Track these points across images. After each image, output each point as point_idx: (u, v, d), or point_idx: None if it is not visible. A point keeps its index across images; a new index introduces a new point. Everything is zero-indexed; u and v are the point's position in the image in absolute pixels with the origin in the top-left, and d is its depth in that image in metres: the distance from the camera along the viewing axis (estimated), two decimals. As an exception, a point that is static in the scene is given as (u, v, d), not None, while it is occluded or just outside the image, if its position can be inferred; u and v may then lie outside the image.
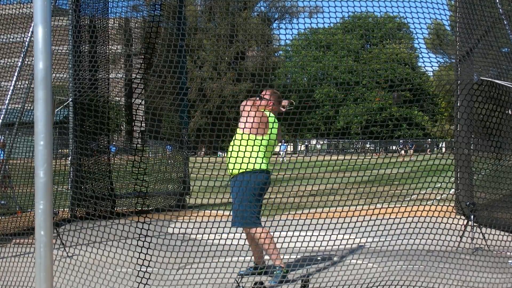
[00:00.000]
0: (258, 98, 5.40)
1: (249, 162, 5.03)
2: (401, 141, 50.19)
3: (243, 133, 5.12)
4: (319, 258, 5.62)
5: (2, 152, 9.28)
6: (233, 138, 5.24)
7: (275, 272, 5.24)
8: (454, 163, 6.36)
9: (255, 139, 5.05)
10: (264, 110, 5.36)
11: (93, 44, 9.05)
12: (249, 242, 5.42)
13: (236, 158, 5.03)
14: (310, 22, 27.88)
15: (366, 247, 6.17)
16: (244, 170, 5.08)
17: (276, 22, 53.76)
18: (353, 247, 6.11)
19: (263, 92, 5.50)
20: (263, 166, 5.22)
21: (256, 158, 5.11)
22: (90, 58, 8.91)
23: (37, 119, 2.85)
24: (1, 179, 8.34)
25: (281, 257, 5.30)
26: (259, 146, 5.10)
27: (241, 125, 5.15)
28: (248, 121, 5.02)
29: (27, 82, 7.77)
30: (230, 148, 5.18)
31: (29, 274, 4.87)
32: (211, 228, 4.75)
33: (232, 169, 5.12)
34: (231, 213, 5.31)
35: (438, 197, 5.86)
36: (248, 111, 5.20)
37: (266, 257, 5.51)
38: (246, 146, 4.97)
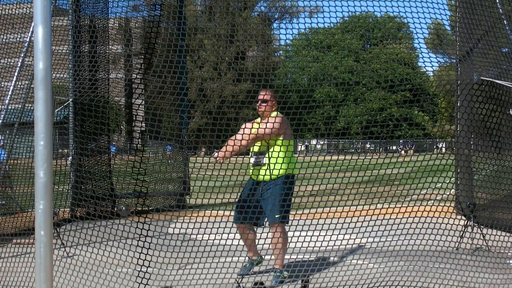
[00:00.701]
0: (259, 102, 5.38)
1: (288, 165, 5.21)
2: (401, 141, 50.16)
3: (283, 139, 5.20)
4: (319, 258, 5.61)
5: (3, 152, 9.28)
6: (268, 145, 5.24)
7: (275, 273, 5.24)
8: (454, 163, 6.36)
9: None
10: (278, 112, 5.37)
11: (93, 44, 9.04)
12: (244, 237, 5.39)
13: (275, 164, 5.15)
14: (310, 22, 27.95)
15: (366, 247, 6.17)
16: (285, 172, 5.20)
17: (276, 22, 53.75)
18: (353, 247, 6.10)
19: (262, 93, 5.43)
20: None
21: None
22: (90, 58, 8.90)
23: (37, 119, 2.85)
24: (1, 179, 8.33)
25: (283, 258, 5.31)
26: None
27: (281, 132, 5.19)
28: (282, 127, 5.15)
29: (27, 82, 7.77)
30: (268, 154, 5.19)
31: (29, 274, 4.87)
32: (211, 228, 4.75)
33: (273, 170, 5.17)
34: (268, 213, 5.25)
35: (438, 197, 5.85)
36: (274, 118, 5.26)
37: (268, 257, 5.51)
38: (285, 152, 5.14)
